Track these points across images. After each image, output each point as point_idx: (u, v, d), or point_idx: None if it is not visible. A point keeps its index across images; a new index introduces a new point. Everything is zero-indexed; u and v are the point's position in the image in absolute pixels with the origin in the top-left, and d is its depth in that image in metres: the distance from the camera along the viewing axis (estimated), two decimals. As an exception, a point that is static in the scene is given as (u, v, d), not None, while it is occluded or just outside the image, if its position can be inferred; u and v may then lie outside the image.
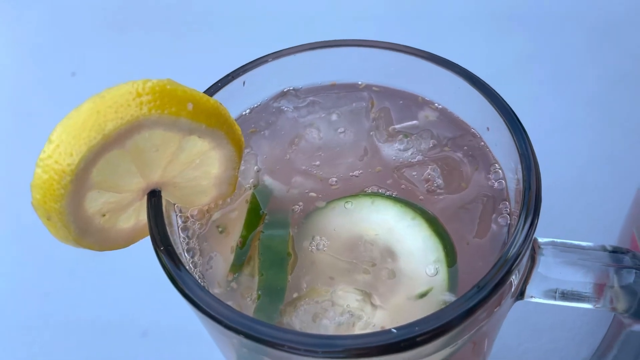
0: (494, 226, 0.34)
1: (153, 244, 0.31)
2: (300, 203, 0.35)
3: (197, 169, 0.33)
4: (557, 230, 0.60)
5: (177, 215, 0.35)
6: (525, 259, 0.31)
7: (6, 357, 0.58)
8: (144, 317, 0.59)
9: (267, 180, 0.37)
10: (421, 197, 0.35)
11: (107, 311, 0.60)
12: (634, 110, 0.69)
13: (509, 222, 0.34)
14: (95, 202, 0.30)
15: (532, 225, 0.30)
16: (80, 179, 0.28)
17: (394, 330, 0.26)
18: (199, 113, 0.30)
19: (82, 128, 0.27)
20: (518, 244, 0.29)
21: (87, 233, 0.31)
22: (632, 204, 0.52)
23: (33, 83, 0.81)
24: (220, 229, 0.35)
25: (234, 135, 0.32)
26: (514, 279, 0.30)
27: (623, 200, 0.54)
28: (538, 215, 0.31)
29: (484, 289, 0.28)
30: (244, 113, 0.40)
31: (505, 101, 0.34)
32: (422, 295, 0.31)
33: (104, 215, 0.31)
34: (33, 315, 0.60)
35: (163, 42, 0.83)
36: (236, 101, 0.38)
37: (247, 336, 0.27)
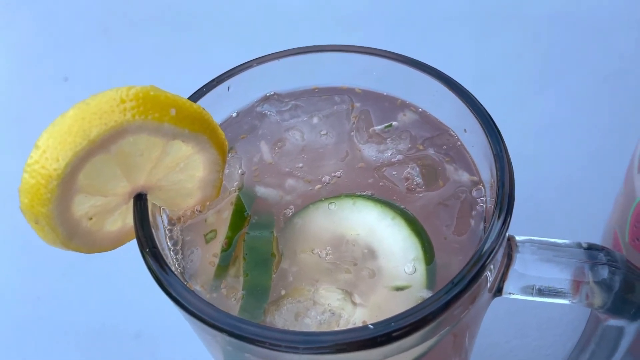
0: (471, 223, 0.35)
1: (139, 245, 0.32)
2: (284, 204, 0.36)
3: (182, 172, 0.34)
4: (541, 229, 0.61)
5: (162, 218, 0.36)
6: (499, 256, 0.32)
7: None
8: (137, 319, 0.59)
9: (251, 182, 0.37)
10: (401, 195, 0.36)
11: (100, 313, 0.60)
12: (618, 111, 0.70)
13: (484, 219, 0.35)
14: (82, 206, 0.31)
15: (505, 223, 0.31)
16: (66, 183, 0.29)
17: (371, 326, 0.27)
18: (182, 118, 0.31)
19: (68, 134, 0.28)
20: (491, 241, 0.30)
21: (74, 236, 0.32)
22: (614, 204, 0.53)
23: (26, 88, 0.82)
24: (205, 231, 0.36)
25: (218, 139, 0.33)
26: (489, 275, 0.31)
27: (606, 201, 0.55)
28: (511, 213, 0.31)
29: (458, 284, 0.29)
30: (228, 117, 0.41)
31: (481, 104, 0.35)
32: (401, 287, 0.32)
33: (90, 218, 0.32)
34: (26, 319, 0.60)
35: (153, 48, 0.84)
36: (221, 106, 0.39)
37: (230, 334, 0.28)
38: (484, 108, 0.34)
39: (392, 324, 0.27)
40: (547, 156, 0.66)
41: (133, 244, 0.57)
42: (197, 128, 0.32)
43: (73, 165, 0.29)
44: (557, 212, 0.62)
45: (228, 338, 0.28)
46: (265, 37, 0.81)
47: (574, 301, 0.34)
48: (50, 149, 0.28)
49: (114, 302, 0.61)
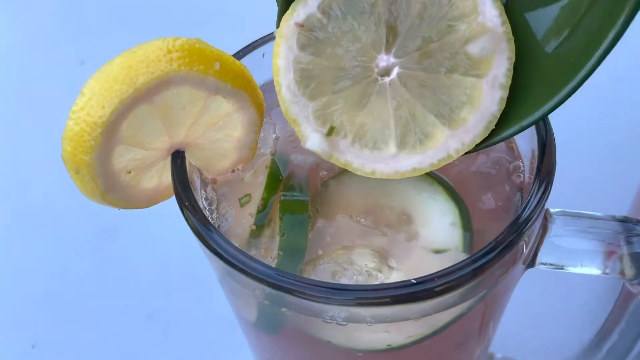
0: (508, 192, 0.35)
1: (178, 200, 0.32)
2: (319, 169, 0.36)
3: (220, 131, 0.33)
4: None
5: (198, 179, 0.36)
6: (537, 225, 0.32)
7: (12, 337, 0.58)
8: (149, 300, 0.59)
9: (286, 147, 0.37)
10: None
11: (113, 293, 0.60)
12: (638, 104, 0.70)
13: (522, 189, 0.35)
14: (122, 158, 0.31)
15: (545, 192, 0.31)
16: (110, 132, 0.29)
17: (414, 281, 0.27)
18: (225, 73, 0.31)
19: (114, 81, 0.28)
20: (531, 208, 0.30)
21: (112, 189, 0.31)
22: (637, 195, 0.53)
23: (43, 72, 0.82)
24: (240, 195, 0.36)
25: (257, 99, 0.33)
26: (526, 242, 0.31)
27: (628, 191, 0.55)
28: (551, 182, 0.31)
29: (498, 246, 0.29)
30: (262, 85, 0.40)
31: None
32: (438, 251, 0.32)
33: (129, 172, 0.32)
34: (39, 296, 0.60)
35: (172, 30, 0.83)
36: (256, 73, 0.39)
37: (271, 285, 0.28)
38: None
39: (435, 278, 0.27)
40: (569, 149, 0.66)
41: (149, 225, 0.57)
42: (239, 84, 0.32)
43: (118, 113, 0.29)
44: (579, 203, 0.62)
45: (268, 290, 0.28)
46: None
47: (607, 271, 0.34)
48: (96, 95, 0.28)
49: (126, 282, 0.61)
